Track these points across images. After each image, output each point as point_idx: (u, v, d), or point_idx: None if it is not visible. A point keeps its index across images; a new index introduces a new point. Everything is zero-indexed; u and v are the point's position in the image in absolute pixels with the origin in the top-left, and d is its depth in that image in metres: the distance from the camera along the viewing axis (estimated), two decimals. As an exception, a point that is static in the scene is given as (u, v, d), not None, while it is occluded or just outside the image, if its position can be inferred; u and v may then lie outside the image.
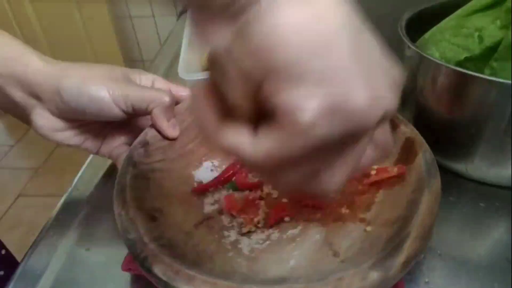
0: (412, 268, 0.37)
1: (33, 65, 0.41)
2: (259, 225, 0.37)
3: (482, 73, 0.41)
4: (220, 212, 0.39)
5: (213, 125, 0.21)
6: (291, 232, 0.36)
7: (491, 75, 0.40)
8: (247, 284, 0.28)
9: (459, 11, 0.45)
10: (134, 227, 0.31)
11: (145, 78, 0.46)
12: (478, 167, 0.43)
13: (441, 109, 0.43)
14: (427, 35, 0.47)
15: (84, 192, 0.49)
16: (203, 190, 0.40)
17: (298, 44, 0.18)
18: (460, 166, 0.44)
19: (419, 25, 0.49)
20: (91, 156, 0.55)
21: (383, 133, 0.23)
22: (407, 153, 0.36)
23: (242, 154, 0.21)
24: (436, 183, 0.33)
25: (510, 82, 0.36)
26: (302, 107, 0.18)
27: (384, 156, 0.25)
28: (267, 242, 0.36)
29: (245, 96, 0.20)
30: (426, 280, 0.36)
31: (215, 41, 0.20)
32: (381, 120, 0.20)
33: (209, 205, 0.39)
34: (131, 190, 0.35)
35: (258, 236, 0.36)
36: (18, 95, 0.41)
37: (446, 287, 0.36)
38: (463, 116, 0.41)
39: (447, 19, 0.46)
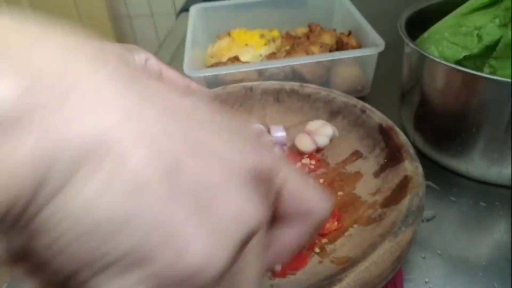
0: (411, 268, 0.37)
1: None
2: None
3: (482, 71, 0.40)
4: None
5: None
6: None
7: (490, 73, 0.40)
8: None
9: (458, 10, 0.45)
10: None
11: (138, 57, 0.45)
12: (479, 166, 0.43)
13: (441, 107, 0.43)
14: (426, 33, 0.47)
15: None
16: None
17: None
18: (460, 165, 0.44)
19: (419, 23, 0.48)
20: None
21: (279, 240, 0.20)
22: (398, 192, 0.33)
23: None
24: (406, 233, 0.29)
25: (509, 80, 0.36)
26: None
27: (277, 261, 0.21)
28: None
29: None
30: (426, 279, 0.36)
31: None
32: (242, 247, 0.16)
33: None
34: None
35: None
36: None
37: (446, 286, 0.36)
38: (463, 115, 0.41)
39: (446, 17, 0.46)
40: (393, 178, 0.35)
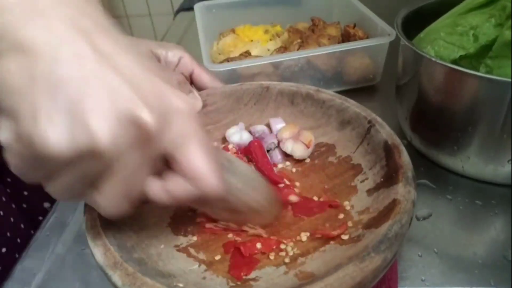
0: (408, 266, 0.37)
1: None
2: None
3: (478, 71, 0.41)
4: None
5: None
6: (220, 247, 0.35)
7: (486, 73, 0.41)
8: (145, 271, 0.28)
9: (455, 9, 0.45)
10: None
11: (172, 55, 0.45)
12: (474, 164, 0.43)
13: (437, 106, 0.43)
14: (422, 33, 0.47)
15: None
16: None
17: None
18: (456, 164, 0.45)
19: (416, 22, 0.49)
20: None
21: (188, 169, 0.25)
22: (383, 215, 0.32)
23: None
24: (374, 260, 0.27)
25: (505, 79, 0.37)
26: None
27: (199, 189, 0.25)
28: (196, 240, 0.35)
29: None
30: (422, 277, 0.36)
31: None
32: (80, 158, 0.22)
33: None
34: None
35: (190, 237, 0.35)
36: None
37: (442, 284, 0.36)
38: (459, 114, 0.41)
39: (442, 17, 0.46)
40: (383, 200, 0.34)
